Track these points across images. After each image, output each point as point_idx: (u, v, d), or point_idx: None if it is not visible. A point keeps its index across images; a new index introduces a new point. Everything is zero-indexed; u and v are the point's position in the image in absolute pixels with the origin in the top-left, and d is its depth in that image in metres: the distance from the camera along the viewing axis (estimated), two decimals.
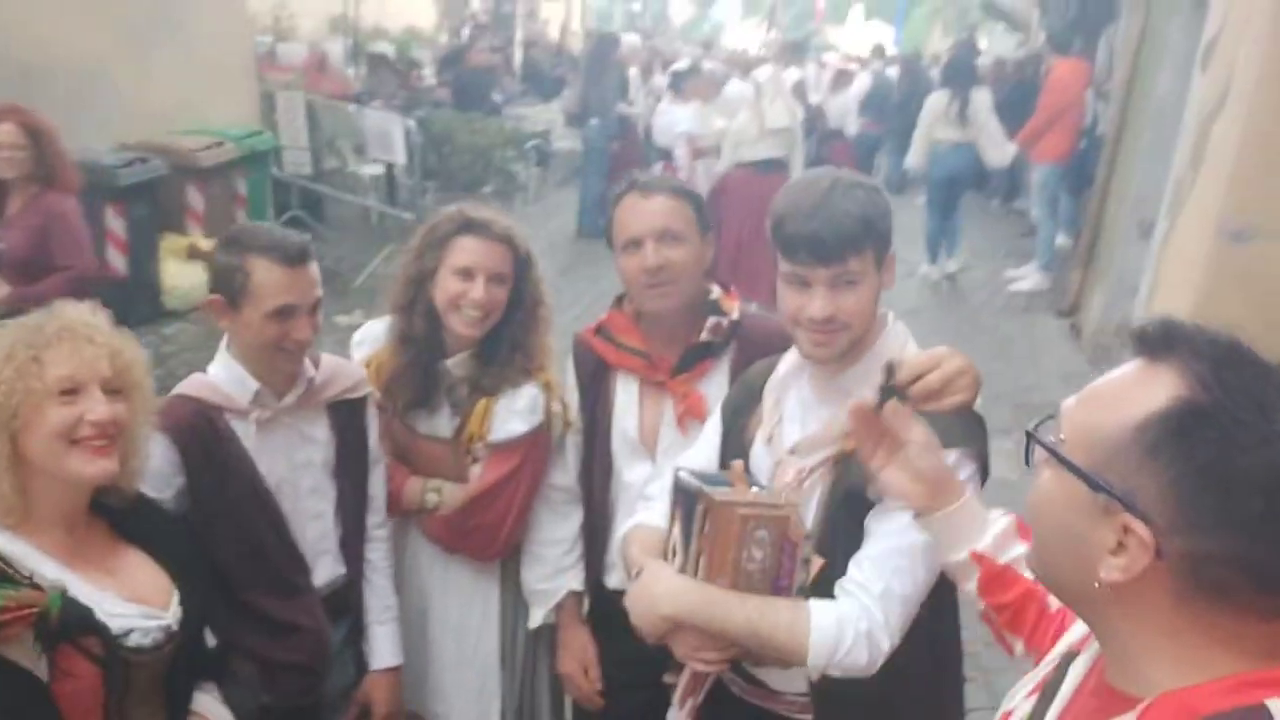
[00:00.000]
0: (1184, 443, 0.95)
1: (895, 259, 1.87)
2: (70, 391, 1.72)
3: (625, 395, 2.36)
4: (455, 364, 2.39)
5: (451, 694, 2.55)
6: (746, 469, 1.93)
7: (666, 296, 2.24)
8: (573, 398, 2.45)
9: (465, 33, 17.75)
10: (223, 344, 2.23)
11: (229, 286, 2.12)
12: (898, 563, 1.77)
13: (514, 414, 2.35)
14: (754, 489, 1.86)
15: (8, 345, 1.72)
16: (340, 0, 13.59)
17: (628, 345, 2.34)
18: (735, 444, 2.04)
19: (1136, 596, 0.99)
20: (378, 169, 9.27)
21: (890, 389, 1.58)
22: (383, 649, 2.40)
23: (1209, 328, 1.03)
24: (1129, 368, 1.05)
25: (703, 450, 2.12)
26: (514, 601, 2.55)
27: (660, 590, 1.82)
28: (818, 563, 1.83)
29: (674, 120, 8.39)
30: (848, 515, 1.83)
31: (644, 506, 2.16)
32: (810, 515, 1.86)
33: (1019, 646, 1.51)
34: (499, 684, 2.55)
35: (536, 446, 2.39)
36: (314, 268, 2.17)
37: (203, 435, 2.14)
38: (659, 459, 2.32)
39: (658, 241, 2.20)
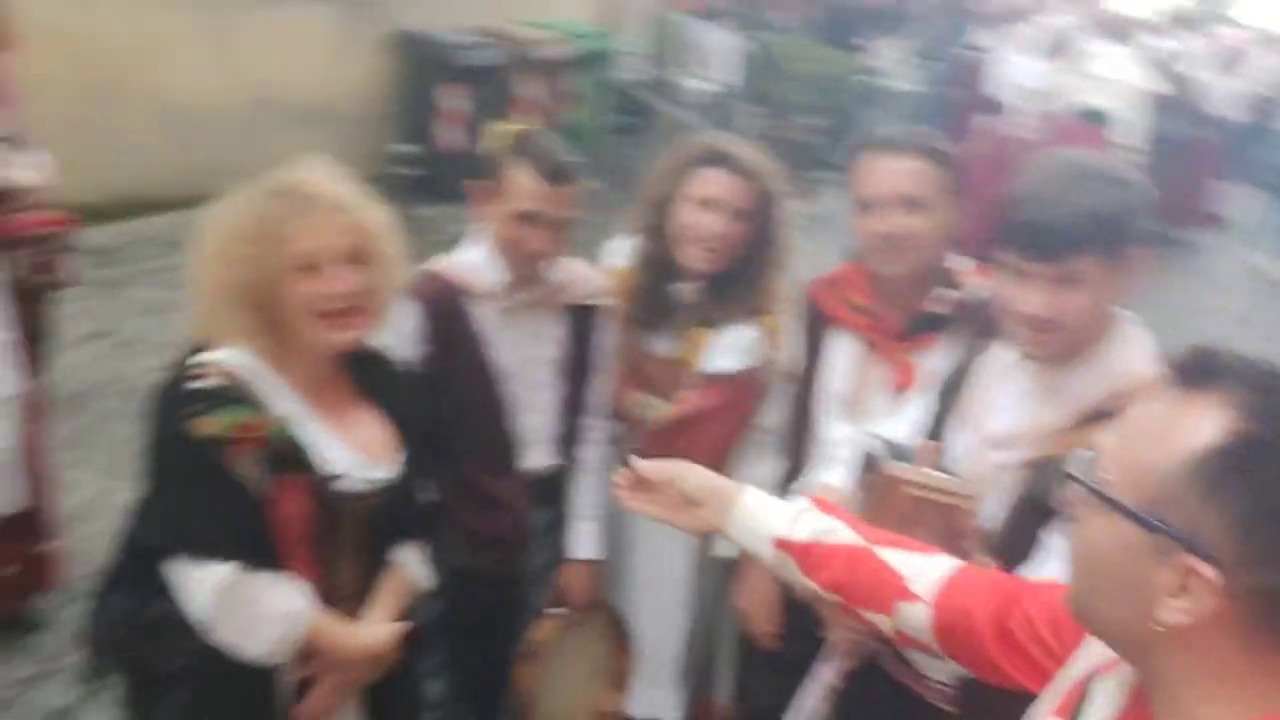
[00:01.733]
0: (1246, 477, 0.91)
1: (1146, 258, 1.69)
2: (311, 267, 1.77)
3: (843, 353, 2.30)
4: (685, 290, 2.41)
5: (644, 592, 2.62)
6: (946, 452, 1.84)
7: (898, 264, 2.14)
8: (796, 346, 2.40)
9: None
10: (482, 231, 2.35)
11: (491, 176, 2.24)
12: None
13: (728, 350, 2.36)
14: (940, 473, 1.78)
15: (254, 223, 1.77)
16: None
17: (854, 302, 2.27)
18: (942, 424, 1.96)
19: (1199, 637, 0.94)
20: (712, 87, 9.31)
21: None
22: (583, 541, 2.51)
23: (1244, 355, 0.98)
24: (1168, 399, 0.98)
25: (907, 423, 2.04)
26: None
27: None
28: (985, 564, 1.73)
29: (1019, 73, 7.74)
30: (1031, 522, 1.72)
31: (827, 466, 2.11)
32: (993, 513, 1.76)
33: (882, 621, 1.44)
34: (687, 598, 2.60)
35: (746, 387, 2.39)
36: (572, 190, 2.22)
37: (446, 311, 2.28)
38: (864, 423, 2.24)
39: (895, 207, 2.09)
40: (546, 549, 2.53)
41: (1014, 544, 1.74)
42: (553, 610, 2.52)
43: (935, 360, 2.17)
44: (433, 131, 6.92)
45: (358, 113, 6.98)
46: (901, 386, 2.19)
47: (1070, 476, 1.04)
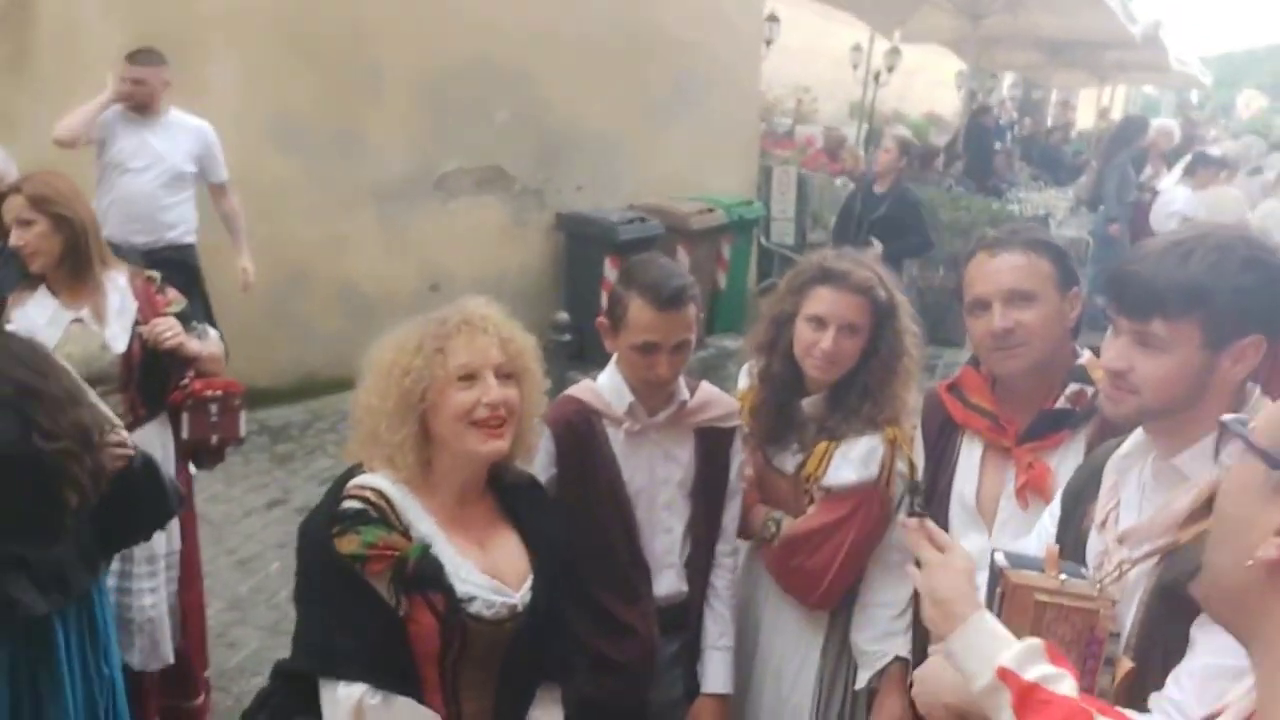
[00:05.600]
0: None
1: (1259, 348, 1.58)
2: (468, 378, 1.89)
3: (968, 458, 2.24)
4: (809, 404, 2.42)
5: None
6: (1083, 558, 1.75)
7: (1015, 359, 2.10)
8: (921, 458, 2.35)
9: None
10: (615, 356, 2.41)
11: (612, 313, 2.32)
12: (1223, 686, 1.49)
13: (848, 461, 2.32)
14: (1064, 577, 1.68)
15: (416, 339, 1.92)
16: (860, 87, 14.03)
17: (976, 404, 2.22)
18: (1072, 530, 1.86)
19: None
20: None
21: (914, 505, 1.61)
22: (716, 674, 2.44)
23: None
24: None
25: (1038, 536, 1.94)
26: (836, 656, 2.49)
27: (947, 678, 1.70)
28: (1125, 666, 1.62)
29: (1170, 201, 7.60)
30: (1170, 618, 1.59)
31: None
32: (1129, 613, 1.64)
33: None
34: None
35: (869, 500, 2.32)
36: (688, 311, 2.26)
37: (579, 433, 2.33)
38: (995, 531, 2.16)
39: (1005, 303, 2.07)
40: (673, 681, 2.47)
41: (1151, 642, 1.60)
42: None
43: (1066, 460, 2.09)
44: (599, 302, 7.26)
45: (525, 288, 7.38)
46: (1027, 489, 2.10)
47: (1225, 426, 1.10)
